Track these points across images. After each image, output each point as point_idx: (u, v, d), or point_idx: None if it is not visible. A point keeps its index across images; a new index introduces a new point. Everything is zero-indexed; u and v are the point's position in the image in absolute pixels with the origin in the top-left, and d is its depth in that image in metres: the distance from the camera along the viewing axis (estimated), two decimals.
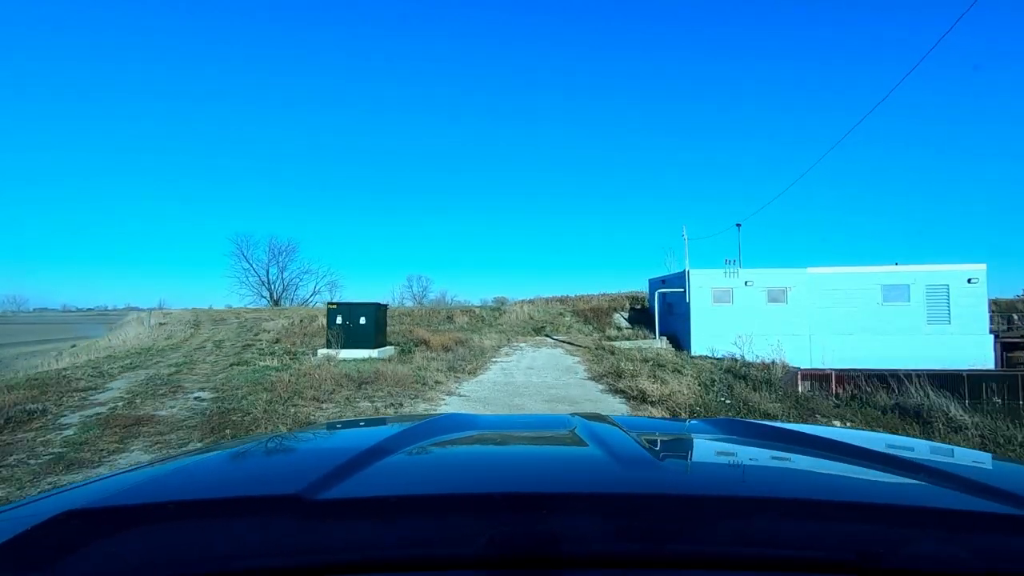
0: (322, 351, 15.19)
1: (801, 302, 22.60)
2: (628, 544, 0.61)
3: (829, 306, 22.46)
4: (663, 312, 24.17)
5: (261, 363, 12.83)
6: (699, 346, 21.90)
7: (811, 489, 0.84)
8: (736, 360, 16.16)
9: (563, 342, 21.72)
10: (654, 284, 28.47)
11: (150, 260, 73.42)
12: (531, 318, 28.33)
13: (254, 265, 46.50)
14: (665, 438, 1.30)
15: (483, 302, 38.96)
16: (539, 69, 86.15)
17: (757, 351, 20.43)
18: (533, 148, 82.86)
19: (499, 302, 35.96)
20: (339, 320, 15.26)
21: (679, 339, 23.56)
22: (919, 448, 1.38)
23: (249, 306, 43.62)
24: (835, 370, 14.58)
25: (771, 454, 1.10)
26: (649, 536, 0.62)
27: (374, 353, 14.93)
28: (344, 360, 14.46)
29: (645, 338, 23.55)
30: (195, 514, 0.70)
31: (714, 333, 22.47)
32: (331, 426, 1.88)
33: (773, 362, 14.90)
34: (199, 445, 6.12)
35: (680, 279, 23.72)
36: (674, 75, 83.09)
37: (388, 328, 24.03)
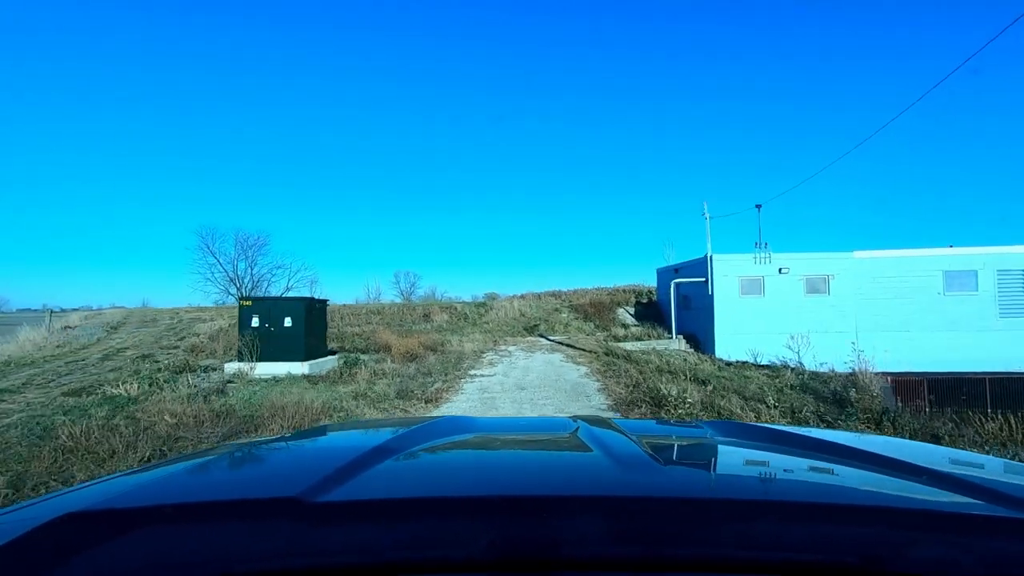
0: (232, 366, 10.71)
1: (845, 293, 18.44)
2: (628, 547, 0.59)
3: (879, 297, 18.31)
4: (678, 306, 19.94)
5: (115, 390, 8.36)
6: (724, 347, 17.71)
7: (813, 492, 0.82)
8: (792, 368, 11.96)
9: (562, 344, 17.41)
10: (664, 274, 24.22)
11: (137, 259, 67.63)
12: (522, 315, 23.95)
13: (220, 260, 41.43)
14: (667, 441, 1.27)
15: (474, 298, 34.57)
16: (539, 71, 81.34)
17: (790, 352, 16.34)
18: (530, 148, 78.03)
19: (490, 298, 31.65)
20: (255, 322, 10.76)
21: (698, 338, 19.34)
22: (921, 451, 1.35)
23: (218, 304, 38.74)
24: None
25: (773, 457, 1.06)
26: (649, 539, 0.60)
27: (303, 367, 10.48)
28: (258, 379, 10.02)
29: (659, 338, 19.29)
30: (194, 517, 0.67)
31: (742, 331, 18.27)
32: (331, 429, 1.82)
33: (854, 372, 10.68)
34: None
35: (700, 267, 19.47)
36: (677, 72, 78.58)
37: (343, 330, 19.51)
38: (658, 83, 78.19)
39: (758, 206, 23.29)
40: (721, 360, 14.23)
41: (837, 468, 0.93)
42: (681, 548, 0.58)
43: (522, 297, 29.06)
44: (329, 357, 11.65)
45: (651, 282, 30.28)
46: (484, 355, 14.62)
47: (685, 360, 13.69)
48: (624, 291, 29.26)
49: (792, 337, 12.93)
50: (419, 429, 1.18)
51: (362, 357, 12.36)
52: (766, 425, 1.40)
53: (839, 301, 18.42)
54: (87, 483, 0.91)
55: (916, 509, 0.69)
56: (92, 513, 0.66)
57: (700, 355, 15.56)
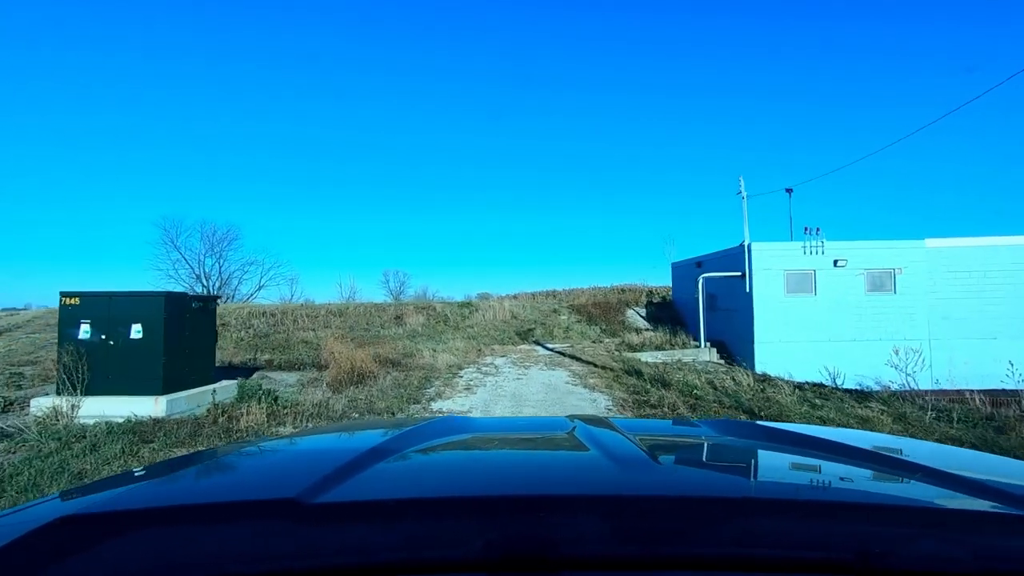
0: (43, 401, 6.62)
1: (916, 290, 14.60)
2: (626, 546, 0.58)
3: (957, 296, 14.50)
4: (706, 308, 16.05)
5: None
6: (765, 358, 13.85)
7: (809, 489, 0.81)
8: (905, 397, 8.11)
9: (564, 355, 13.42)
10: (683, 270, 20.30)
11: (128, 259, 62.37)
12: (514, 317, 19.94)
13: (185, 255, 37.27)
14: (664, 440, 1.24)
15: (467, 298, 30.56)
16: (538, 67, 76.68)
17: (851, 366, 12.55)
18: (529, 146, 73.52)
19: (482, 297, 27.68)
20: (84, 332, 6.67)
21: (729, 347, 15.43)
22: (917, 448, 1.33)
23: None
24: None
25: (770, 455, 1.06)
26: (648, 538, 0.59)
27: (158, 406, 6.39)
28: (75, 426, 5.96)
29: (683, 346, 15.33)
30: (190, 519, 0.66)
31: (787, 338, 14.40)
32: (327, 430, 1.80)
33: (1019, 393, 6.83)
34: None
35: (733, 259, 15.57)
36: (678, 69, 74.03)
37: (292, 336, 15.39)
38: (657, 80, 74.36)
39: (788, 190, 19.40)
40: (784, 380, 10.28)
41: (834, 466, 0.92)
42: (680, 547, 0.58)
43: (514, 297, 25.09)
44: (216, 385, 7.49)
45: (652, 281, 26.58)
46: (461, 373, 10.60)
47: (737, 382, 9.76)
48: (632, 290, 25.28)
49: (896, 350, 9.00)
50: (417, 429, 1.17)
51: (276, 379, 8.26)
52: (763, 423, 1.36)
53: (908, 301, 14.62)
54: (83, 485, 0.82)
55: (912, 506, 0.69)
56: (88, 516, 0.65)
57: (752, 374, 11.59)
